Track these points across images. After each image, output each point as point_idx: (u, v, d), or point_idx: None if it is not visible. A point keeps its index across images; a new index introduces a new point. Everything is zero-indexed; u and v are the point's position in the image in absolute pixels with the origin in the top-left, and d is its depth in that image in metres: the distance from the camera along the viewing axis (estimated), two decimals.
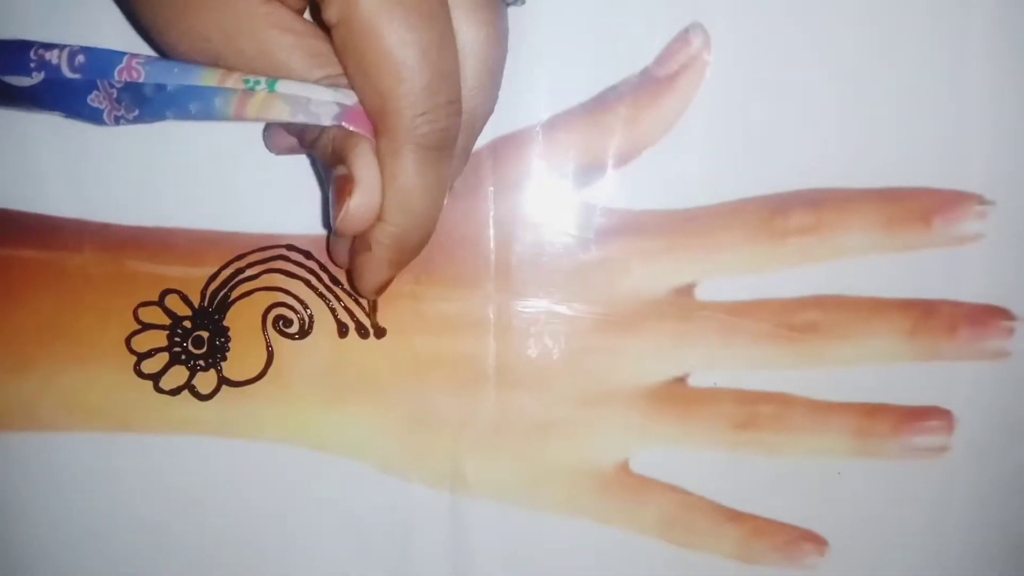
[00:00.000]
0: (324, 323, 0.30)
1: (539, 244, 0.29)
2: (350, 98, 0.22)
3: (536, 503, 0.30)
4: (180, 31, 0.22)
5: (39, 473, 0.30)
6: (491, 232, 0.29)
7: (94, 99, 0.23)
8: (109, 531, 0.30)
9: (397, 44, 0.20)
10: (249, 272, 0.29)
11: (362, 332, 0.30)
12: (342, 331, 0.30)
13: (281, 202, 0.29)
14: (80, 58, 0.23)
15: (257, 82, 0.22)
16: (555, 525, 0.30)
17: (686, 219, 0.29)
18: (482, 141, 0.29)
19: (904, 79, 0.29)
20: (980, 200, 0.29)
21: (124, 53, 0.23)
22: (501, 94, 0.28)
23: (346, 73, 0.22)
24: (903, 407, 0.30)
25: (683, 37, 0.28)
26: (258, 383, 0.30)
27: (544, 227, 0.29)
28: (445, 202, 0.24)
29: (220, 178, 0.29)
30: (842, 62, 0.29)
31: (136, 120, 0.23)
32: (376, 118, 0.22)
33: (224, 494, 0.30)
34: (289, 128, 0.25)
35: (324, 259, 0.29)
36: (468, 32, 0.22)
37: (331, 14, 0.20)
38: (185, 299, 0.30)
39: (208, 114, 0.22)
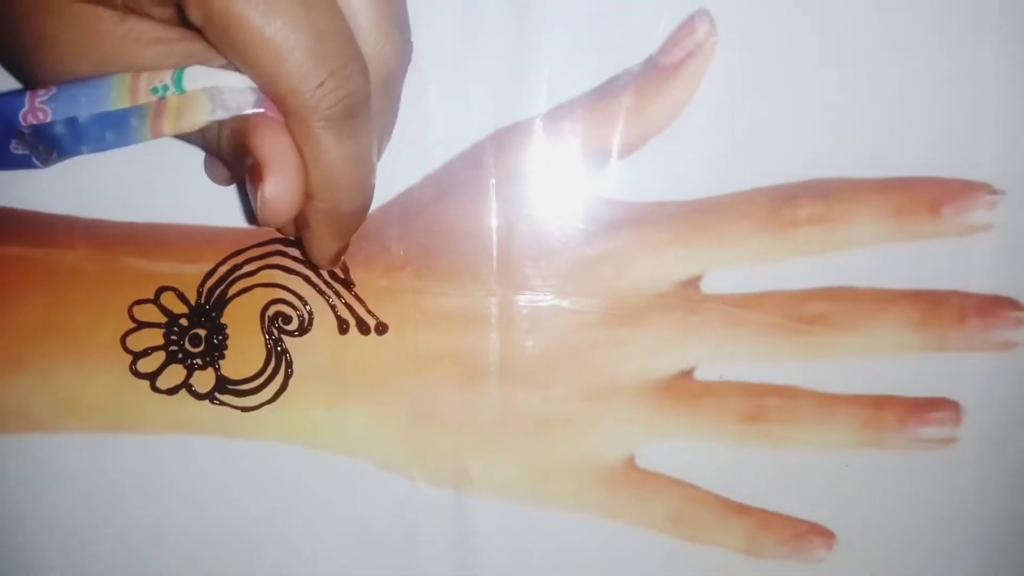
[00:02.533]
0: (324, 319, 0.29)
1: (542, 237, 0.29)
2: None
3: (541, 500, 0.30)
4: (50, 71, 0.21)
5: (33, 476, 0.29)
6: (493, 225, 0.29)
7: (16, 146, 0.21)
8: (105, 535, 0.30)
9: (263, 24, 0.19)
10: (247, 268, 0.29)
11: (363, 328, 0.29)
12: (343, 327, 0.29)
13: None
14: None
15: (165, 87, 0.20)
16: (560, 522, 0.30)
17: (692, 210, 0.29)
18: (483, 132, 0.28)
19: (914, 67, 0.28)
20: (990, 190, 0.29)
21: (24, 93, 0.21)
22: (502, 85, 0.28)
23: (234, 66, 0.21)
24: (911, 398, 0.30)
25: (689, 24, 0.28)
26: (256, 380, 0.29)
27: (547, 220, 0.29)
28: (377, 165, 0.23)
29: None
30: (851, 50, 0.28)
31: (59, 159, 0.21)
32: (277, 103, 0.20)
33: (223, 495, 0.30)
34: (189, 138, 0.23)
35: None
36: None
37: (195, 17, 0.19)
38: (181, 296, 0.29)
39: (125, 139, 0.21)
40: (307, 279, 0.29)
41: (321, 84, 0.20)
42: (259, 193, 0.21)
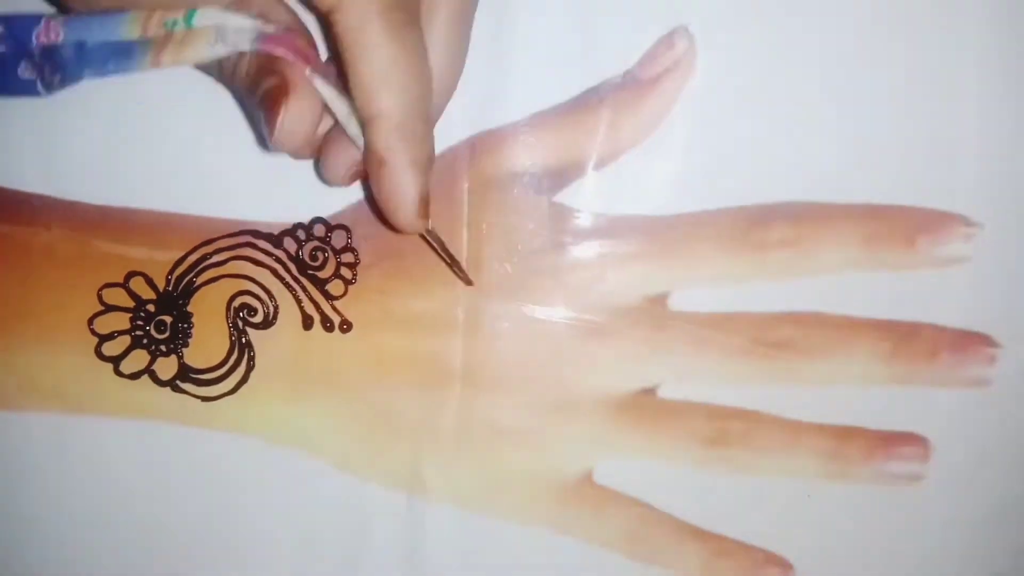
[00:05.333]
0: (289, 314, 0.29)
1: (512, 245, 0.29)
2: (268, 27, 0.22)
3: (495, 509, 0.30)
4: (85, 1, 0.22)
5: None
6: (464, 230, 0.29)
7: (25, 71, 0.22)
8: (58, 513, 0.30)
9: None
10: (216, 258, 0.29)
11: (327, 325, 0.29)
12: (307, 323, 0.29)
13: (251, 186, 0.29)
14: None
15: (175, 22, 0.21)
16: (513, 532, 0.30)
17: (663, 226, 0.29)
18: (459, 137, 0.28)
19: (892, 96, 0.28)
20: (966, 222, 0.28)
21: (42, 16, 0.22)
22: (480, 91, 0.28)
23: None
24: (878, 431, 0.29)
25: (667, 40, 0.28)
26: (218, 370, 0.29)
27: (519, 227, 0.29)
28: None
29: (190, 160, 0.29)
30: (829, 75, 0.28)
31: (61, 85, 0.22)
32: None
33: (174, 482, 0.30)
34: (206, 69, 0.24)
35: (292, 248, 0.29)
36: None
37: None
38: (150, 282, 0.29)
39: (126, 66, 0.22)
40: (275, 272, 0.29)
41: None
42: (281, 110, 0.21)
